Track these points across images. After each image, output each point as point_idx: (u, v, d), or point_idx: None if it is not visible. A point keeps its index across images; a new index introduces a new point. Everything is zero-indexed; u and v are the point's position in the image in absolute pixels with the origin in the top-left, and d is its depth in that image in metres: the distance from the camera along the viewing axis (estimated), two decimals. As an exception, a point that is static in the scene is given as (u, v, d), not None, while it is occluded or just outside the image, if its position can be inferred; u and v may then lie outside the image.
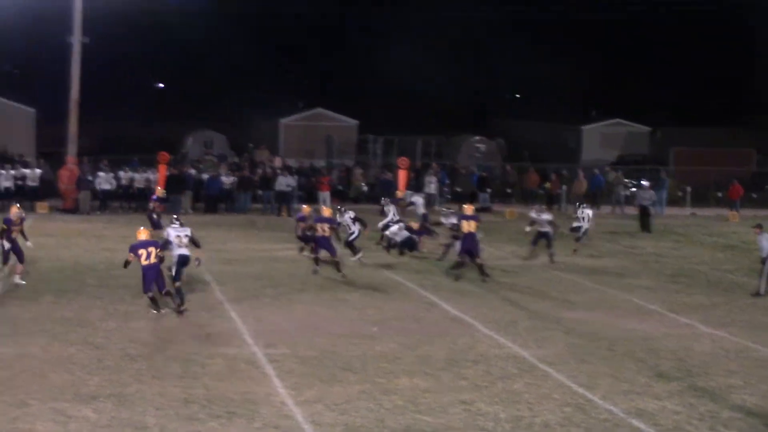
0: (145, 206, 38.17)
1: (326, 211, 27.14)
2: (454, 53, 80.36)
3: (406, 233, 30.06)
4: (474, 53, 79.54)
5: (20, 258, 23.79)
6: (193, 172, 43.52)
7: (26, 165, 43.56)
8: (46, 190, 41.91)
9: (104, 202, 40.89)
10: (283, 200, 42.43)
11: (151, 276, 20.46)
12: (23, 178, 41.47)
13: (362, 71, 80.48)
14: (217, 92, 76.93)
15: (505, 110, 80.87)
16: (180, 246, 21.80)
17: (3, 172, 41.00)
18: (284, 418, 14.06)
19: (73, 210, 39.91)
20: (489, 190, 46.95)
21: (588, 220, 31.60)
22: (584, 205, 32.65)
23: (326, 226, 25.84)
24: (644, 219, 39.27)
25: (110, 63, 65.84)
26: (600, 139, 65.74)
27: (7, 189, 40.34)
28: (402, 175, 43.37)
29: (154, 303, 20.65)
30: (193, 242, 22.08)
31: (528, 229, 30.27)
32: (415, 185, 44.27)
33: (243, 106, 70.42)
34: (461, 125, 66.23)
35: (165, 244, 21.81)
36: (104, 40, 46.22)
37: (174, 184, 41.12)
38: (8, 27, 62.48)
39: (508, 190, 50.18)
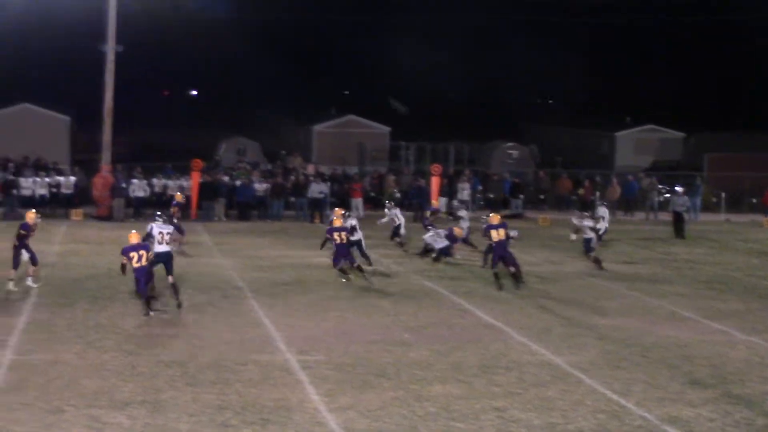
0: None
1: (337, 221, 27.09)
2: (487, 59, 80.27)
3: (446, 241, 29.91)
4: (507, 59, 79.32)
5: (34, 261, 24.01)
6: (226, 179, 43.64)
7: (61, 173, 43.85)
8: (81, 197, 42.15)
9: (138, 209, 41.07)
10: (316, 207, 42.52)
11: (143, 278, 20.96)
12: (58, 185, 41.77)
13: (394, 78, 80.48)
14: (250, 100, 77.17)
15: (538, 116, 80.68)
16: (161, 243, 22.65)
17: (38, 179, 41.31)
18: (317, 424, 14.06)
19: (107, 217, 40.10)
20: (522, 196, 46.82)
21: (606, 220, 31.35)
22: (602, 203, 32.24)
23: (343, 234, 25.96)
24: (678, 225, 39.03)
25: (144, 71, 66.23)
26: (633, 145, 65.44)
27: (42, 196, 40.64)
28: (435, 182, 43.36)
29: (147, 305, 21.00)
30: (179, 230, 24.16)
31: (573, 237, 30.02)
32: (448, 192, 44.23)
33: (276, 114, 70.62)
34: (494, 132, 66.10)
35: (146, 237, 22.93)
36: (138, 48, 46.48)
37: (207, 192, 41.30)
38: (43, 36, 63.09)
39: (541, 197, 50.02)
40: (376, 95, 78.36)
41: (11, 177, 41.88)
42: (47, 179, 41.70)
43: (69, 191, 41.92)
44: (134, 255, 20.92)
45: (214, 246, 33.16)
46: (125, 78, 42.94)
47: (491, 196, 48.21)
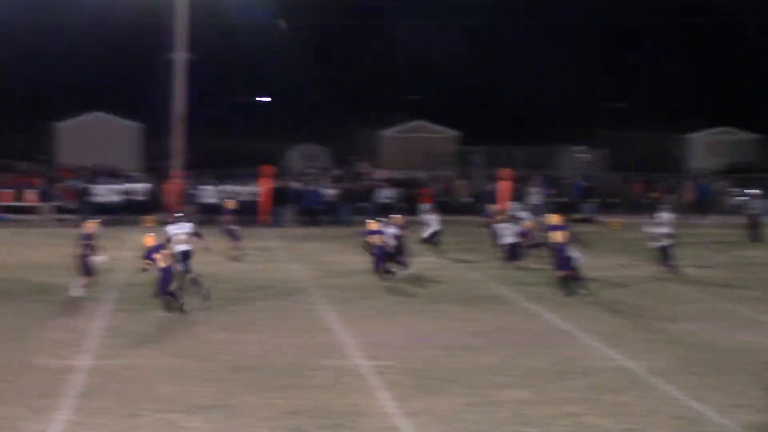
0: (249, 219, 38.89)
1: (372, 224, 27.16)
2: (556, 62, 79.73)
3: (515, 238, 29.88)
4: (577, 62, 78.77)
5: (89, 272, 24.20)
6: (295, 185, 43.86)
7: (133, 180, 44.37)
8: (153, 204, 42.59)
9: (209, 215, 41.36)
10: (384, 212, 42.54)
11: (167, 278, 21.70)
12: (131, 192, 42.26)
13: (463, 82, 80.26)
14: (319, 106, 77.39)
15: (610, 119, 79.99)
16: (179, 243, 23.98)
17: (111, 186, 41.85)
18: (390, 430, 14.05)
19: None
20: (593, 200, 46.50)
21: (669, 224, 30.90)
22: (664, 206, 31.71)
23: (379, 238, 26.31)
24: (754, 229, 38.52)
25: (215, 78, 66.68)
26: (707, 148, 64.69)
27: (115, 203, 41.13)
28: (504, 186, 43.21)
29: (172, 301, 21.77)
30: (196, 235, 24.69)
31: (653, 244, 29.57)
32: (518, 196, 44.06)
33: (344, 119, 70.79)
34: (564, 135, 65.69)
35: (166, 241, 23.70)
36: (209, 55, 46.86)
37: (277, 197, 41.54)
38: (114, 43, 63.83)
39: (613, 200, 49.60)
40: (445, 100, 78.17)
41: (86, 184, 42.48)
42: (120, 186, 42.22)
43: (141, 198, 42.40)
44: (157, 256, 21.68)
45: (284, 251, 33.34)
46: (197, 85, 43.31)
47: (562, 200, 47.92)
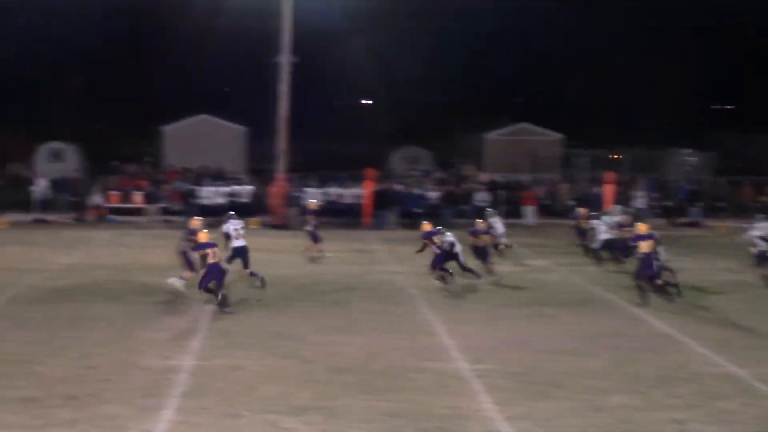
0: (353, 222, 39.08)
1: (426, 226, 27.14)
2: (662, 64, 78.64)
3: (606, 236, 29.62)
4: (681, 64, 77.60)
5: (192, 266, 24.65)
6: (398, 187, 43.90)
7: (238, 182, 44.86)
8: (257, 206, 42.99)
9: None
10: (480, 215, 42.34)
11: (214, 273, 22.33)
12: (235, 194, 42.74)
13: (567, 84, 79.62)
14: (422, 108, 77.38)
15: (717, 122, 78.66)
16: (237, 238, 25.62)
17: (216, 188, 42.37)
18: (492, 434, 13.97)
19: (283, 226, 40.75)
20: (699, 204, 45.71)
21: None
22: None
23: (438, 239, 26.24)
24: None
25: (318, 80, 67.12)
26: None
27: (220, 205, 41.59)
28: (608, 190, 42.71)
29: (212, 294, 22.41)
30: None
31: (754, 249, 28.89)
32: (623, 199, 43.52)
33: (448, 122, 70.67)
34: (671, 138, 64.65)
35: (226, 237, 25.59)
36: (313, 58, 47.16)
37: (380, 200, 41.61)
38: (219, 47, 64.58)
39: (720, 204, 48.69)
40: (549, 102, 77.64)
41: (191, 186, 43.10)
42: (225, 188, 42.73)
43: (246, 200, 42.84)
44: (209, 251, 22.31)
45: (386, 254, 33.36)
46: (301, 88, 43.63)
47: (668, 204, 47.20)
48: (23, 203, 44.04)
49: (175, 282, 24.29)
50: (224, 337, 19.73)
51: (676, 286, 24.69)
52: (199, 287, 22.57)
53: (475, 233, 28.03)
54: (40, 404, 15.02)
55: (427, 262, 26.84)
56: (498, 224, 32.57)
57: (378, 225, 41.49)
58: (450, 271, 26.20)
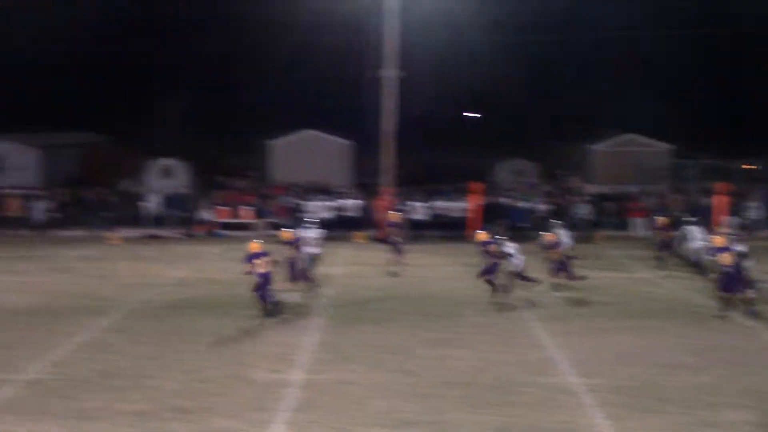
0: (458, 235, 39.00)
1: (481, 235, 26.79)
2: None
3: (701, 243, 29.20)
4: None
5: (295, 277, 26.25)
6: (505, 200, 43.70)
7: (344, 196, 45.08)
8: (364, 220, 43.11)
9: (419, 231, 41.58)
10: (584, 227, 41.88)
11: (264, 282, 23.18)
12: (342, 208, 42.97)
13: (676, 94, 78.62)
14: (527, 121, 77.09)
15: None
16: (308, 246, 27.21)
17: (323, 203, 42.64)
18: (603, 449, 13.79)
19: (388, 240, 40.74)
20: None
21: None
22: None
23: (493, 247, 25.90)
24: None
25: (424, 94, 67.21)
26: None
27: (326, 219, 41.81)
28: (720, 201, 41.95)
29: (263, 302, 23.26)
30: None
31: None
32: (735, 210, 42.69)
33: (554, 134, 70.21)
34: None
35: (295, 244, 26.80)
36: (417, 71, 47.23)
37: (487, 213, 41.43)
38: (325, 61, 65.13)
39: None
40: (656, 112, 76.69)
41: (298, 201, 43.45)
42: (331, 203, 43.00)
43: (353, 214, 43.03)
44: (258, 262, 23.17)
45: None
46: (406, 102, 43.73)
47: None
48: (134, 219, 44.84)
49: (290, 298, 24.76)
50: (332, 351, 19.81)
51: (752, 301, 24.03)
52: (254, 294, 23.35)
53: (547, 247, 27.73)
54: (153, 417, 15.25)
55: (533, 275, 26.59)
56: (565, 236, 32.09)
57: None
58: (498, 281, 25.88)
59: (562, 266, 27.28)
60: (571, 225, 41.34)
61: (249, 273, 23.26)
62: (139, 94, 70.82)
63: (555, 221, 33.96)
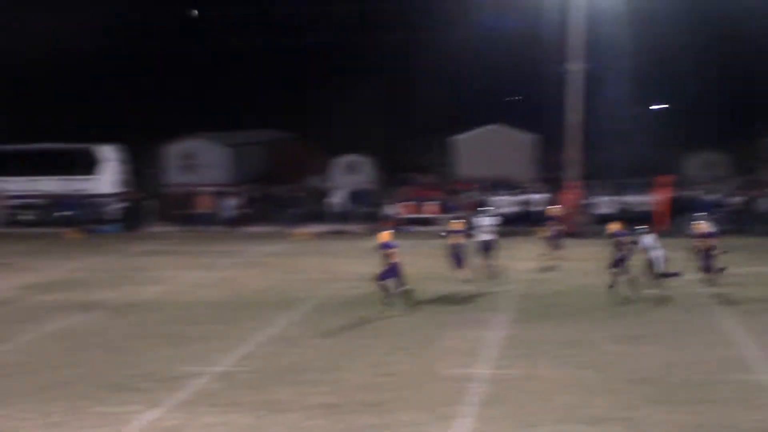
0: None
1: (614, 226, 26.26)
2: None
3: None
4: None
5: (460, 264, 26.81)
6: (695, 194, 42.70)
7: (530, 190, 44.79)
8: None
9: (604, 226, 40.92)
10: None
11: (394, 270, 23.62)
12: (527, 203, 42.71)
13: None
14: (719, 111, 75.06)
15: None
16: (483, 233, 27.92)
17: (508, 198, 42.47)
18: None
19: (575, 234, 40.24)
20: None
21: None
22: None
23: (626, 239, 25.49)
24: None
25: (611, 86, 66.19)
26: None
27: (511, 214, 41.58)
28: None
29: (386, 290, 23.75)
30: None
31: None
32: None
33: (747, 125, 68.14)
34: None
35: (474, 229, 28.00)
36: (604, 64, 46.54)
37: (677, 207, 40.56)
38: (510, 55, 64.83)
39: None
40: None
41: (483, 196, 43.37)
42: (517, 197, 42.78)
43: (538, 209, 42.66)
44: (388, 252, 23.67)
45: (683, 261, 32.28)
46: (593, 95, 43.16)
47: None
48: (320, 215, 45.55)
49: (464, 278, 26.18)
50: (519, 345, 19.64)
51: None
52: (378, 280, 23.80)
53: (696, 237, 26.67)
54: (341, 410, 15.37)
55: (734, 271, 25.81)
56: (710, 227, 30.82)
57: (677, 232, 40.34)
58: (627, 275, 25.10)
59: (704, 257, 26.16)
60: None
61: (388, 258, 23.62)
62: (323, 91, 71.80)
63: (703, 213, 33.01)
